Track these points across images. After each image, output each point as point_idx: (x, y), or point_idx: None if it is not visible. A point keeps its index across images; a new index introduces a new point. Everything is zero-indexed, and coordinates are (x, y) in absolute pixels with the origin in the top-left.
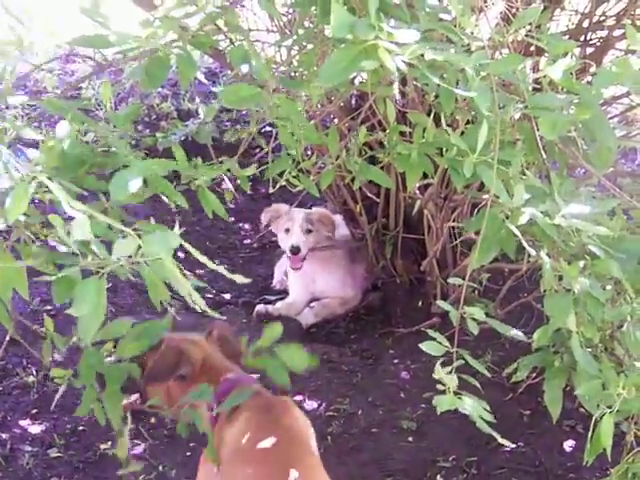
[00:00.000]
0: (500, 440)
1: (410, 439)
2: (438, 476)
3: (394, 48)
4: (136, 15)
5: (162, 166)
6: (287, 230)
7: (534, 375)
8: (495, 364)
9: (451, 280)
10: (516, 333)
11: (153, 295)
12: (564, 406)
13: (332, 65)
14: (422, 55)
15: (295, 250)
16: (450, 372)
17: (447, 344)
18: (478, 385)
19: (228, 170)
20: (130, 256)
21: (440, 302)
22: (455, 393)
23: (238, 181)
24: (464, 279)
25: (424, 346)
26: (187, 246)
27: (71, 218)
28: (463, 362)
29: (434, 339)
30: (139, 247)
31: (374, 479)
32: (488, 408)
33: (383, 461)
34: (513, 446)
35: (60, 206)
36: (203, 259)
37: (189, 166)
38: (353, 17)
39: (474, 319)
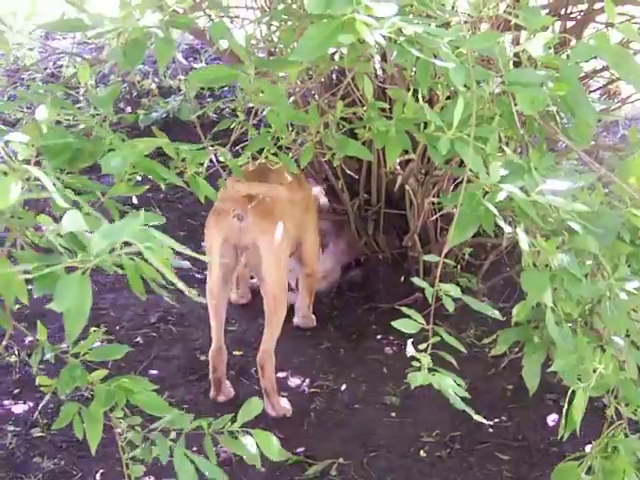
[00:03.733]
0: (475, 417)
1: (393, 414)
2: (422, 451)
3: (372, 22)
4: None
5: (147, 145)
6: None
7: (517, 350)
8: (478, 339)
9: (427, 257)
10: (492, 312)
11: (134, 288)
12: (546, 380)
13: (309, 40)
14: (400, 29)
15: None
16: (426, 349)
17: (422, 321)
18: (454, 361)
19: (218, 160)
20: (113, 249)
21: (416, 279)
22: (431, 369)
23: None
24: (446, 255)
25: (397, 324)
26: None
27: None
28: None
29: (409, 316)
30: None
31: (358, 455)
32: (464, 384)
33: (366, 437)
34: (496, 420)
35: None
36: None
37: (175, 149)
38: None
39: (450, 296)
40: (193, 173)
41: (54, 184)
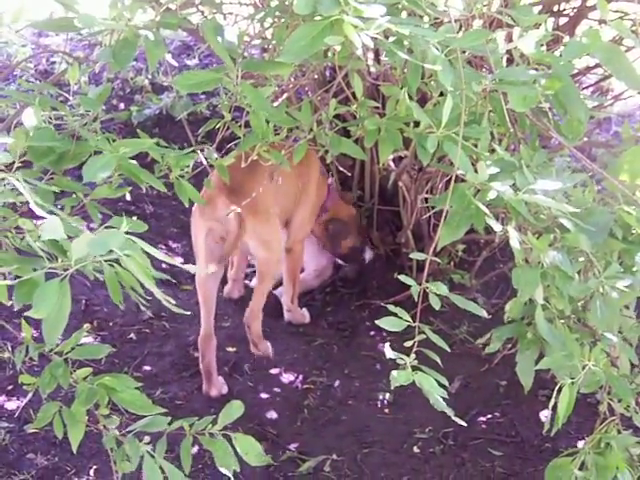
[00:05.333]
0: (453, 418)
1: (387, 411)
2: (415, 447)
3: (359, 23)
4: None
5: (132, 147)
6: None
7: (510, 346)
8: (471, 335)
9: (414, 255)
10: (479, 310)
11: (113, 296)
12: (540, 376)
13: (296, 42)
14: (389, 30)
15: None
16: (412, 347)
17: (409, 318)
18: (438, 359)
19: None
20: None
21: (402, 277)
22: (417, 367)
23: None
24: (440, 251)
25: (382, 322)
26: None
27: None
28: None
29: (395, 314)
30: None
31: (351, 451)
32: (446, 383)
33: (360, 433)
34: (489, 416)
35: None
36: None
37: (162, 151)
38: None
39: (437, 293)
40: (177, 176)
41: (36, 186)
